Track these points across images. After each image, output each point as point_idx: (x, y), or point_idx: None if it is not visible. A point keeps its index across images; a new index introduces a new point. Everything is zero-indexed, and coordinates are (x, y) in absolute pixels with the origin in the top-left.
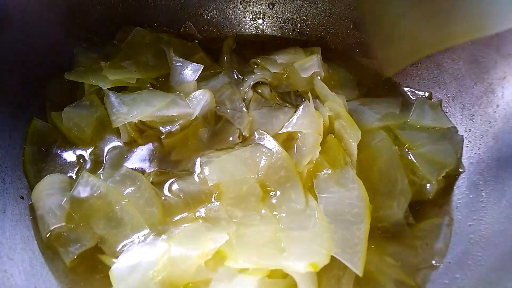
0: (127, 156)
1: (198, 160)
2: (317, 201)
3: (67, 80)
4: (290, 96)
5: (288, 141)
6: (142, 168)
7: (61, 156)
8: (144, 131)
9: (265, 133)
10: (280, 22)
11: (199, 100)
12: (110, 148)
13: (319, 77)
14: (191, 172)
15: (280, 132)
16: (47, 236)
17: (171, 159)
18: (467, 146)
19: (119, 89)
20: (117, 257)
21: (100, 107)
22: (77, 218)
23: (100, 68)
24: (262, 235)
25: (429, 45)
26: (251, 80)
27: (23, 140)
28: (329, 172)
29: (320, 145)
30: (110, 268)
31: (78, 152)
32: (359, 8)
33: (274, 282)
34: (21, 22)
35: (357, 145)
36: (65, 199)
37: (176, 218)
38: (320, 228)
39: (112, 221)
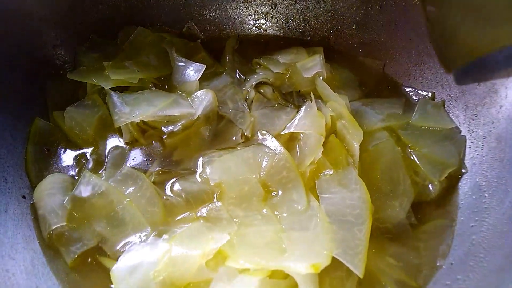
0: (128, 156)
1: (200, 160)
2: (318, 202)
3: (69, 80)
4: (292, 96)
5: (290, 141)
6: (144, 168)
7: (63, 156)
8: (146, 131)
9: (268, 133)
10: (282, 22)
11: (201, 100)
12: (112, 148)
13: (321, 77)
14: (193, 172)
15: (282, 133)
16: (49, 235)
17: (173, 159)
18: (470, 147)
19: (121, 89)
20: (118, 257)
21: (102, 107)
22: (78, 217)
23: (103, 68)
24: (263, 235)
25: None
26: (253, 80)
27: (25, 140)
28: (331, 172)
29: (322, 145)
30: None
31: (80, 151)
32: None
33: (275, 282)
34: (23, 22)
35: (359, 145)
36: (66, 198)
37: (177, 218)
38: (321, 228)
39: (114, 220)
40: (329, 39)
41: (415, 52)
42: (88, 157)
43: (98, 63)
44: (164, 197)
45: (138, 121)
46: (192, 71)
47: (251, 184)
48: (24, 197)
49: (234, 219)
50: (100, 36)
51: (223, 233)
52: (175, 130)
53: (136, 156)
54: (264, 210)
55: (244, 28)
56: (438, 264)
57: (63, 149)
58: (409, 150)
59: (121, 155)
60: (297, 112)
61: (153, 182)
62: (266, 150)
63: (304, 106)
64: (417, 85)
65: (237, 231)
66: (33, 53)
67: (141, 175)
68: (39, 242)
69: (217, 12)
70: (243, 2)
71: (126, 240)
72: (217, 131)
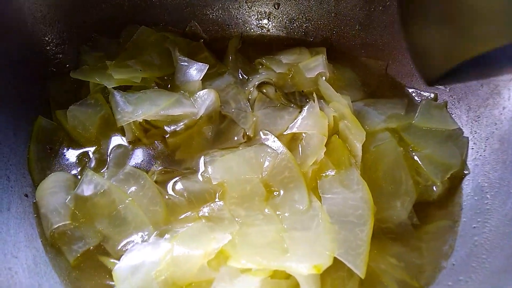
0: (131, 155)
1: (202, 159)
2: (320, 202)
3: (72, 79)
4: (295, 97)
5: (292, 141)
6: (146, 167)
7: (66, 154)
8: (148, 130)
9: (270, 133)
10: (285, 22)
11: (204, 100)
12: (114, 147)
13: (324, 78)
14: (195, 171)
15: (284, 133)
16: (51, 234)
17: (175, 158)
18: (473, 148)
19: (124, 88)
20: (120, 256)
21: (105, 106)
22: (80, 216)
23: (105, 67)
24: (265, 235)
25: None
26: (256, 80)
27: (28, 138)
28: (333, 173)
29: (325, 145)
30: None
31: (83, 150)
32: None
33: (277, 282)
34: (26, 21)
35: (362, 146)
36: (69, 197)
37: (179, 218)
38: (323, 229)
39: (116, 219)
40: (331, 39)
41: None
42: (91, 156)
43: (101, 62)
44: (166, 197)
45: (141, 120)
46: (195, 71)
47: (253, 184)
48: (26, 195)
49: (236, 219)
50: (103, 35)
51: (225, 233)
52: (177, 129)
53: (138, 155)
54: (266, 210)
55: (247, 28)
56: (440, 265)
57: (65, 148)
58: (411, 151)
59: (124, 154)
60: (300, 112)
61: (155, 182)
62: (268, 150)
63: (307, 106)
64: (420, 86)
65: (239, 231)
66: (36, 52)
67: (143, 174)
68: (41, 241)
69: (220, 12)
70: (246, 2)
71: (128, 239)
72: (220, 130)
